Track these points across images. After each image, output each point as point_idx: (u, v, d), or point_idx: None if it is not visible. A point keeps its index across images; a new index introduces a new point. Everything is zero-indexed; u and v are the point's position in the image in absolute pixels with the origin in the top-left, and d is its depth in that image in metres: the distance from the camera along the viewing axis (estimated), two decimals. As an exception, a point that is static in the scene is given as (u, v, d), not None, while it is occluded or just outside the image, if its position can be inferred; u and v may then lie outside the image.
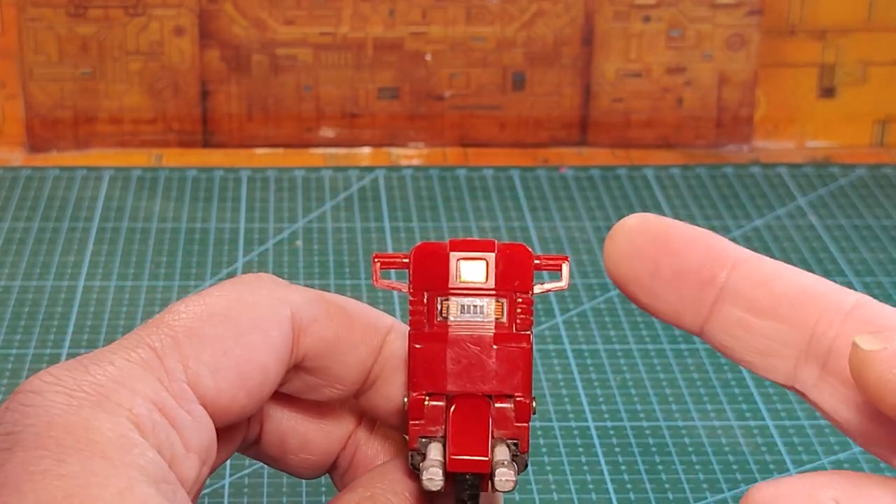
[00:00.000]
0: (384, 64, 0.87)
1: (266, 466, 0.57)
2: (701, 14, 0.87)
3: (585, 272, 0.73)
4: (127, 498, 0.31)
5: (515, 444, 0.36)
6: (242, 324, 0.36)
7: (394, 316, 0.39)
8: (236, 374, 0.35)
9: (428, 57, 0.87)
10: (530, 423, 0.37)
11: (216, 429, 0.35)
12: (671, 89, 0.88)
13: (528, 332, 0.37)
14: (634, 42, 0.87)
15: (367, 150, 0.88)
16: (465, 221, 0.78)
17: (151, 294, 0.70)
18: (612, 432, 0.60)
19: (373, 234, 0.76)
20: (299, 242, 0.76)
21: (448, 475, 0.35)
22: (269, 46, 0.86)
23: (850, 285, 0.71)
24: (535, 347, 0.66)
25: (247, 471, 0.57)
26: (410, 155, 0.88)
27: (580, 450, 0.58)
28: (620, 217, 0.79)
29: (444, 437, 0.36)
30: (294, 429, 0.39)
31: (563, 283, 0.37)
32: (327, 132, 0.88)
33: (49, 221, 0.77)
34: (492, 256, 0.37)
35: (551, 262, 0.37)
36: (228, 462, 0.57)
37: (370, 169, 0.84)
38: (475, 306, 0.37)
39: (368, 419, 0.40)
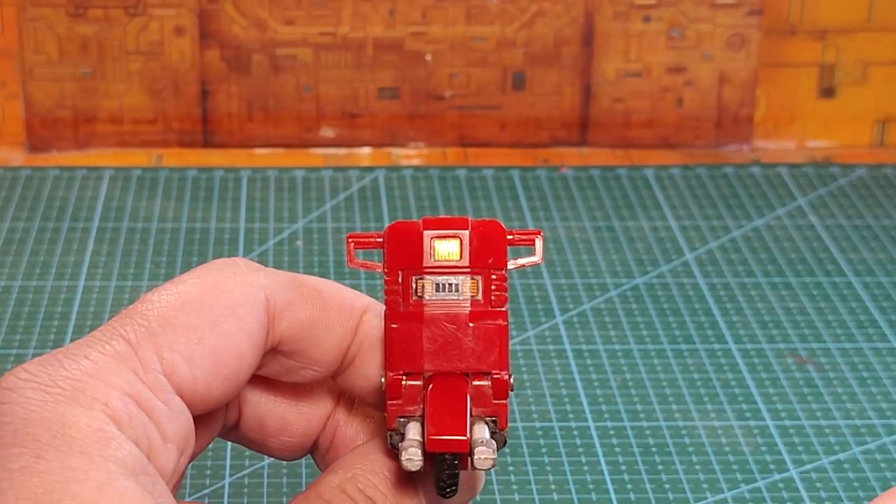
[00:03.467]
0: (384, 64, 0.87)
1: (266, 467, 0.57)
2: (701, 14, 0.87)
3: (585, 272, 0.73)
4: (106, 492, 0.31)
5: (494, 422, 0.36)
6: (216, 311, 0.36)
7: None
8: (211, 361, 0.35)
9: (428, 57, 0.87)
10: (508, 401, 0.37)
11: (194, 417, 0.35)
12: (671, 89, 0.88)
13: (504, 309, 0.37)
14: (634, 42, 0.87)
15: (367, 150, 0.88)
16: (465, 221, 0.78)
17: (151, 294, 0.70)
18: (612, 432, 0.60)
19: (373, 234, 0.76)
20: (299, 242, 0.76)
21: (427, 455, 0.35)
22: (269, 46, 0.86)
23: (849, 285, 0.71)
24: (535, 347, 0.66)
25: (247, 471, 0.57)
26: (410, 155, 0.88)
27: (580, 450, 0.58)
28: (621, 217, 0.79)
29: (423, 416, 0.36)
30: (272, 412, 0.39)
31: (537, 258, 0.37)
32: (327, 132, 0.88)
33: (49, 221, 0.77)
34: (465, 234, 0.37)
35: (524, 236, 0.37)
36: (228, 462, 0.57)
37: (370, 169, 0.84)
38: (450, 284, 0.37)
39: (347, 399, 0.40)
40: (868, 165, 0.86)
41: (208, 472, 0.57)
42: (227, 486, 0.56)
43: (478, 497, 0.39)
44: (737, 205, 0.81)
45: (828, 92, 0.89)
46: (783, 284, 0.72)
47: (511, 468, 0.57)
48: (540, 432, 0.59)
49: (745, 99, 0.89)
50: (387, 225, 0.37)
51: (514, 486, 0.56)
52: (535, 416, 0.61)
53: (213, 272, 0.37)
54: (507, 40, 0.87)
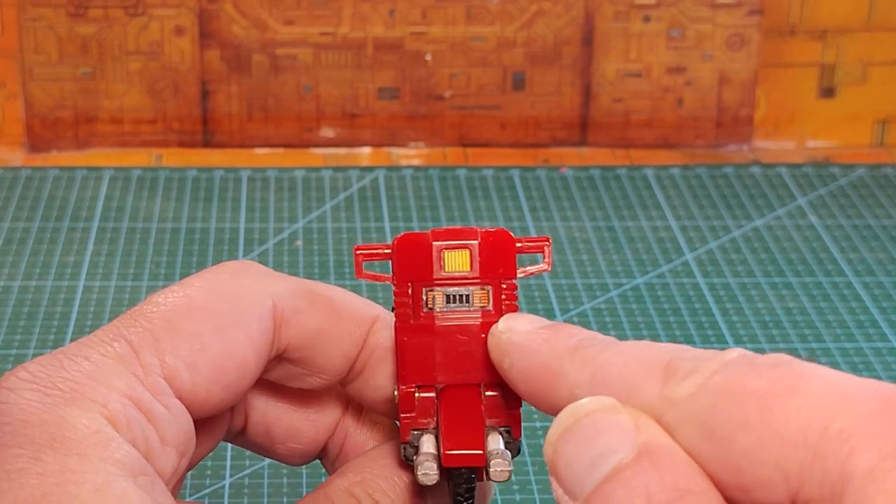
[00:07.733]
0: (384, 64, 0.87)
1: (266, 467, 0.57)
2: (701, 14, 0.87)
3: (585, 272, 0.73)
4: (105, 494, 0.31)
5: (508, 432, 0.36)
6: (222, 317, 0.35)
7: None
8: (213, 369, 0.35)
9: (428, 57, 0.87)
10: (521, 411, 0.36)
11: (195, 421, 0.35)
12: (671, 89, 0.88)
13: None
14: (634, 42, 0.87)
15: (367, 150, 0.88)
16: (465, 221, 0.78)
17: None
18: (612, 432, 0.60)
19: (373, 235, 0.76)
20: (299, 242, 0.76)
21: (443, 468, 0.35)
22: (269, 46, 0.86)
23: (850, 285, 0.71)
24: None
25: (247, 471, 0.57)
26: (410, 155, 0.88)
27: (580, 450, 0.58)
28: (621, 217, 0.79)
29: (437, 428, 0.35)
30: (280, 418, 0.39)
31: (546, 266, 0.37)
32: (327, 132, 0.88)
33: (49, 221, 0.77)
34: (475, 245, 0.36)
35: (533, 244, 0.37)
36: (228, 462, 0.57)
37: (370, 169, 0.84)
38: (461, 296, 0.36)
39: (356, 405, 0.40)
40: (868, 165, 0.86)
41: (208, 472, 0.57)
42: (227, 486, 0.56)
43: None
44: (737, 205, 0.81)
45: (828, 92, 0.89)
46: (783, 284, 0.72)
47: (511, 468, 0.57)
48: (540, 432, 0.59)
49: (745, 99, 0.89)
50: (395, 237, 0.37)
51: (515, 487, 0.56)
52: (535, 415, 0.61)
53: (222, 276, 0.36)
54: (507, 40, 0.87)
